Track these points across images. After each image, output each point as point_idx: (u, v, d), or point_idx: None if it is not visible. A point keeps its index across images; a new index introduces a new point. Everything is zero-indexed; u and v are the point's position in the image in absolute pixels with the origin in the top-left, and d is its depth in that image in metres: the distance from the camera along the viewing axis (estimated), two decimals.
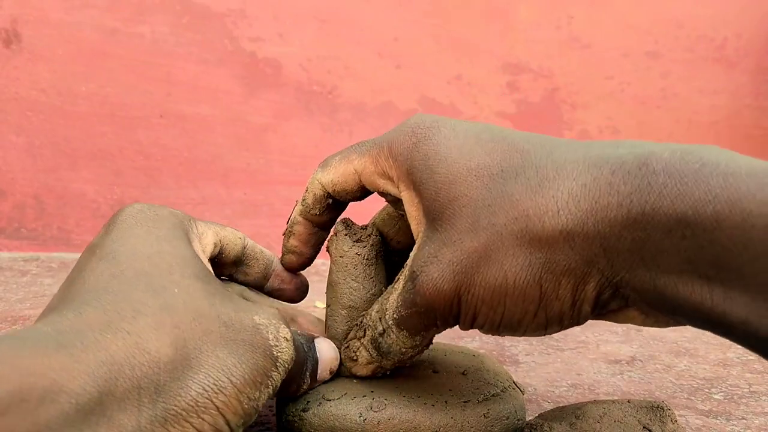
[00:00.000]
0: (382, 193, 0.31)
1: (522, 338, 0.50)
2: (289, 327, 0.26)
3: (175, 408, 0.21)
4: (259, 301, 0.33)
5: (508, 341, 0.50)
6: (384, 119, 0.77)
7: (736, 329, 0.20)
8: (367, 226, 0.32)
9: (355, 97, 0.77)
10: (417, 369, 0.33)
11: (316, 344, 0.30)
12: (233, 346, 0.23)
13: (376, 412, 0.28)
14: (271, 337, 0.24)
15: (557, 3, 0.77)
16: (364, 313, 0.30)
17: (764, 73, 0.80)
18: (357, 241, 0.32)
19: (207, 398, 0.22)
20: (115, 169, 0.74)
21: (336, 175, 0.31)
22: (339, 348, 0.31)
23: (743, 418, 0.36)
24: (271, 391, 0.24)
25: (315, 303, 0.57)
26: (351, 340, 0.30)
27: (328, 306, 0.33)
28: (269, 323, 0.25)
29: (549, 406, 0.37)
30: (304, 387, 0.29)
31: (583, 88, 0.79)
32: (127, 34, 0.72)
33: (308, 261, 0.34)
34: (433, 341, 0.39)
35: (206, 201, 0.76)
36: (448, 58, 0.77)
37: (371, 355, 0.29)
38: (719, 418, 0.36)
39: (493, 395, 0.30)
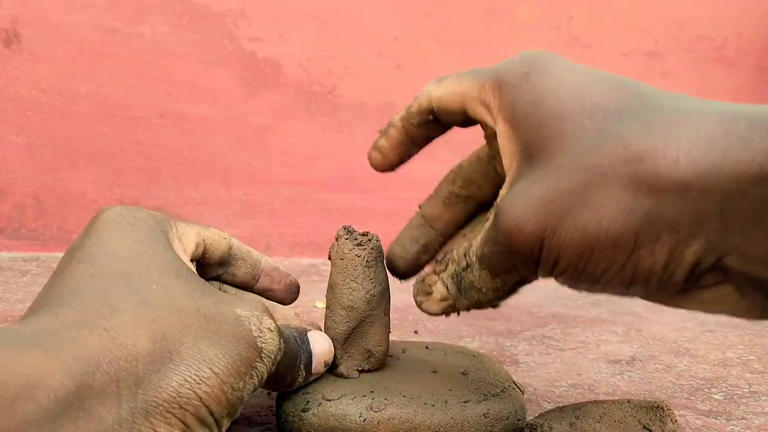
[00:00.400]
0: (481, 123, 0.30)
1: (522, 338, 0.50)
2: (273, 318, 0.26)
3: (156, 400, 0.21)
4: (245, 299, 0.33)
5: (508, 341, 0.50)
6: (384, 119, 0.77)
7: None
8: (367, 232, 0.33)
9: (355, 97, 0.77)
10: (417, 369, 0.33)
11: (309, 337, 0.29)
12: (215, 337, 0.23)
13: (376, 412, 0.28)
14: (254, 328, 0.24)
15: (557, 3, 0.77)
16: (446, 249, 0.30)
17: (764, 73, 0.80)
18: (357, 245, 0.32)
19: (189, 389, 0.21)
20: (115, 169, 0.74)
21: (445, 92, 0.30)
22: (337, 347, 0.31)
23: (743, 418, 0.36)
24: (256, 382, 0.24)
25: (315, 303, 0.57)
26: (428, 274, 0.29)
27: (327, 307, 0.33)
28: (251, 315, 0.25)
29: (549, 406, 0.37)
30: (300, 380, 0.29)
31: None
32: (127, 34, 0.72)
33: (389, 165, 0.34)
34: (433, 341, 0.39)
35: (206, 201, 0.76)
36: (448, 58, 0.77)
37: (448, 290, 0.28)
38: (719, 418, 0.36)
39: (493, 395, 0.30)
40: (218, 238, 0.32)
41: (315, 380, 0.31)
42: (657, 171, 0.21)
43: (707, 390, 0.40)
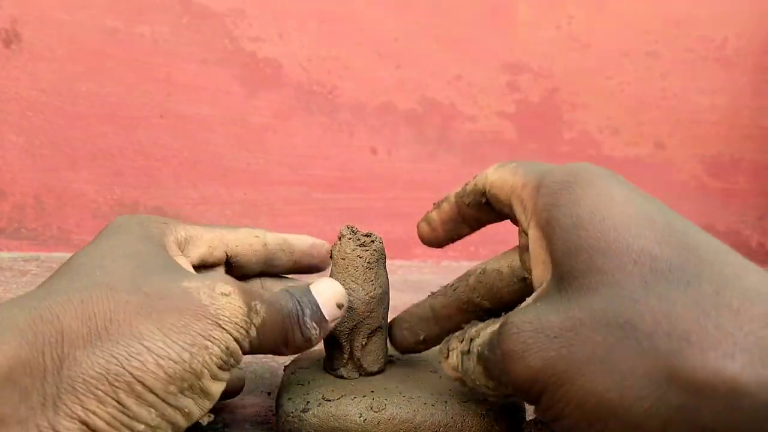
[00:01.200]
0: (518, 224, 0.28)
1: None
2: (236, 283, 0.25)
3: (81, 376, 0.21)
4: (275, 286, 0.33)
5: None
6: (384, 119, 0.77)
7: None
8: (371, 233, 0.33)
9: (355, 97, 0.77)
10: (417, 369, 0.33)
11: (312, 288, 0.28)
12: (153, 314, 0.23)
13: (376, 412, 0.28)
14: (203, 297, 0.24)
15: (557, 3, 0.77)
16: (470, 324, 0.27)
17: (764, 73, 0.80)
18: (360, 245, 0.32)
19: (117, 365, 0.21)
20: (115, 169, 0.74)
21: (498, 179, 0.29)
22: (336, 349, 0.31)
23: None
24: (218, 352, 0.23)
25: None
26: (452, 338, 0.28)
27: None
28: (201, 285, 0.24)
29: None
30: (314, 333, 0.27)
31: (583, 88, 0.79)
32: (127, 34, 0.72)
33: (436, 240, 0.33)
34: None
35: (206, 201, 0.76)
36: (448, 58, 0.77)
37: (458, 365, 0.26)
38: None
39: None
40: (249, 238, 0.32)
41: (315, 381, 0.31)
42: (703, 362, 0.17)
43: None
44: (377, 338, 0.31)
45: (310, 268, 0.35)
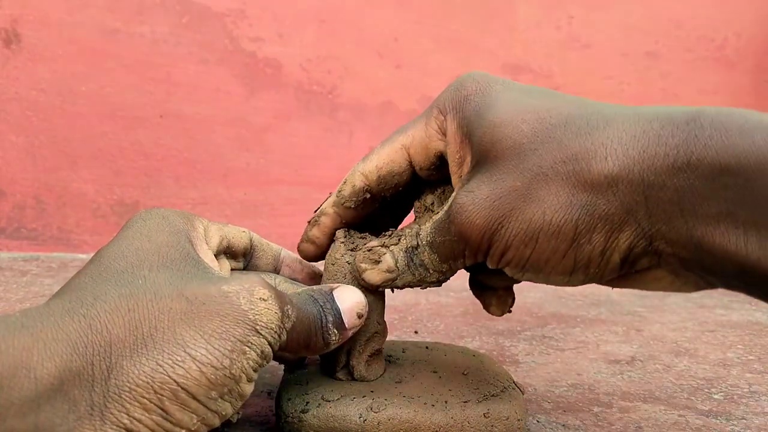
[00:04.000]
0: (429, 168, 0.31)
1: (522, 338, 0.50)
2: (272, 287, 0.25)
3: (127, 385, 0.21)
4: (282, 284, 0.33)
5: (508, 341, 0.50)
6: (384, 119, 0.77)
7: None
8: (366, 234, 0.32)
9: (355, 97, 0.77)
10: (417, 369, 0.33)
11: (335, 294, 0.29)
12: (195, 320, 0.23)
13: (376, 412, 0.28)
14: (243, 302, 0.24)
15: (557, 3, 0.77)
16: (400, 229, 0.31)
17: (764, 73, 0.80)
18: (351, 249, 0.32)
19: (163, 373, 0.22)
20: (115, 169, 0.74)
21: (381, 160, 0.32)
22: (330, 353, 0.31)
23: (743, 418, 0.36)
24: (255, 356, 0.24)
25: None
26: (375, 246, 0.31)
27: None
28: (240, 288, 0.24)
29: (549, 406, 0.37)
30: (334, 340, 0.28)
31: (583, 88, 0.79)
32: (127, 34, 0.72)
33: (323, 254, 0.34)
34: (433, 341, 0.39)
35: (206, 201, 0.76)
36: (448, 58, 0.77)
37: (397, 262, 0.30)
38: (719, 418, 0.36)
39: (493, 395, 0.30)
40: (238, 233, 0.33)
41: (314, 381, 0.31)
42: (589, 169, 0.24)
43: (707, 390, 0.40)
44: (375, 343, 0.31)
45: (290, 279, 0.35)
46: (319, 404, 0.29)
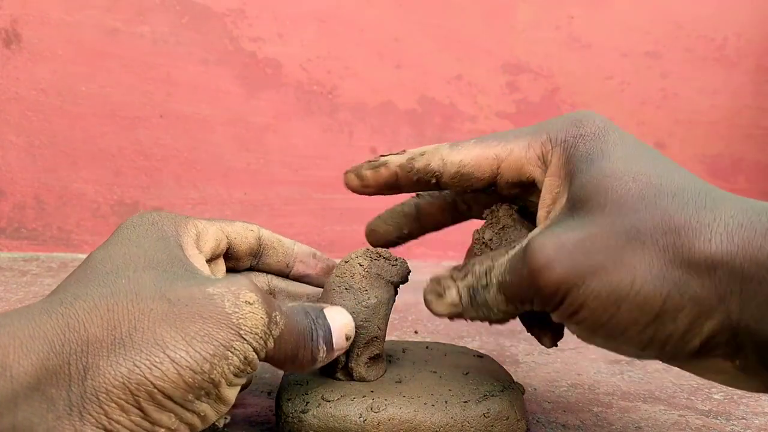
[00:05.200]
0: (512, 185, 0.31)
1: (522, 338, 0.50)
2: (260, 291, 0.25)
3: (104, 385, 0.21)
4: (288, 288, 0.34)
5: (508, 341, 0.50)
6: (384, 119, 0.77)
7: None
8: (393, 256, 0.33)
9: (355, 97, 0.77)
10: (417, 369, 0.33)
11: (326, 312, 0.29)
12: (177, 321, 0.23)
13: (376, 412, 0.28)
14: (227, 304, 0.24)
15: (557, 3, 0.77)
16: (468, 259, 0.30)
17: (764, 73, 0.80)
18: (369, 257, 0.32)
19: (139, 374, 0.21)
20: (115, 169, 0.74)
21: (469, 157, 0.30)
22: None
23: (743, 418, 0.36)
24: (237, 362, 0.23)
25: None
26: (443, 276, 0.30)
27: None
28: (226, 291, 0.24)
29: (549, 406, 0.37)
30: (322, 356, 0.28)
31: (583, 88, 0.79)
32: (127, 34, 0.72)
33: (363, 192, 0.34)
34: (433, 341, 0.39)
35: (206, 201, 0.76)
36: (448, 58, 0.77)
37: (461, 298, 0.29)
38: (719, 418, 0.36)
39: (493, 395, 0.30)
40: (244, 231, 0.32)
41: (314, 381, 0.31)
42: (691, 246, 0.23)
43: (707, 390, 0.40)
44: (374, 348, 0.31)
45: (303, 276, 0.35)
46: (319, 404, 0.29)
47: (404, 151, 0.33)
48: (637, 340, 0.24)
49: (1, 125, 0.72)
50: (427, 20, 0.76)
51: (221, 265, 0.32)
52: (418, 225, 0.36)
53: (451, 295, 0.29)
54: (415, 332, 0.51)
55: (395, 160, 0.32)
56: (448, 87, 0.78)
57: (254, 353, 0.24)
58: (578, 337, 0.26)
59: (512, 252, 0.27)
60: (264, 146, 0.76)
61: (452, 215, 0.36)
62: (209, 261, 0.31)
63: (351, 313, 0.30)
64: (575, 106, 0.79)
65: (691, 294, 0.23)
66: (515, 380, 0.34)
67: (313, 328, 0.28)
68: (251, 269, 0.34)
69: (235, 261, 0.33)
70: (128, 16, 0.72)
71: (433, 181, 0.31)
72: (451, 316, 0.30)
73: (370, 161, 0.33)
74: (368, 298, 0.31)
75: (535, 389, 0.39)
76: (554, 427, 0.34)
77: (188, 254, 0.28)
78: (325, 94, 0.77)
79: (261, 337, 0.24)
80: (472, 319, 0.29)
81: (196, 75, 0.74)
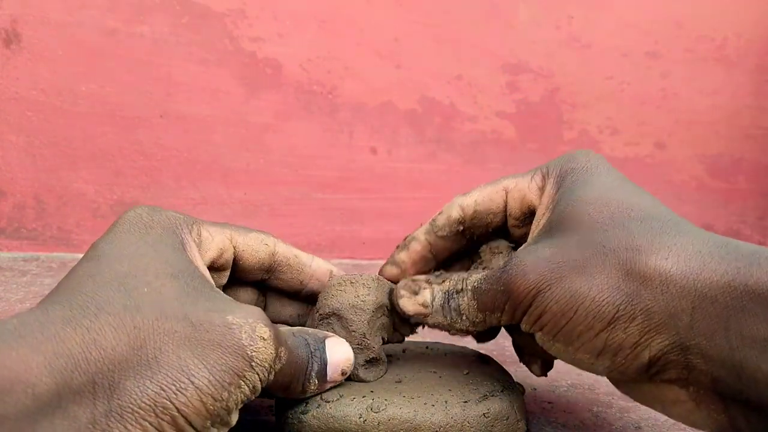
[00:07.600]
0: (520, 221, 0.33)
1: None
2: (272, 327, 0.26)
3: (131, 406, 0.21)
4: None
5: (508, 341, 0.50)
6: (384, 119, 0.77)
7: None
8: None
9: (355, 97, 0.77)
10: (417, 369, 0.33)
11: (326, 344, 0.29)
12: (198, 347, 0.23)
13: (376, 412, 0.28)
14: (244, 336, 0.24)
15: (557, 3, 0.77)
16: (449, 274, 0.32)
17: (764, 73, 0.80)
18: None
19: (165, 398, 0.22)
20: (115, 169, 0.74)
21: (481, 196, 0.33)
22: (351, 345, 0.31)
23: None
24: (247, 392, 0.24)
25: None
26: (420, 279, 0.31)
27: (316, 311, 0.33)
28: (244, 323, 0.25)
29: (549, 407, 0.37)
30: (312, 388, 0.29)
31: (583, 88, 0.79)
32: (127, 34, 0.72)
33: (407, 276, 0.34)
34: (433, 341, 0.39)
35: (206, 201, 0.76)
36: (448, 58, 0.77)
37: (433, 301, 0.30)
38: None
39: (493, 395, 0.31)
40: (257, 244, 0.32)
41: None
42: (647, 261, 0.25)
43: None
44: (369, 352, 0.31)
45: (316, 295, 0.34)
46: (319, 404, 0.29)
47: (421, 223, 0.35)
48: (591, 345, 0.26)
49: (1, 125, 0.72)
50: (427, 20, 0.76)
51: (225, 274, 0.31)
52: (433, 263, 0.36)
53: (425, 295, 0.30)
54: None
55: (419, 231, 0.34)
56: (448, 87, 0.78)
57: (260, 383, 0.25)
58: (542, 345, 0.28)
59: (490, 265, 0.30)
60: (264, 146, 0.76)
61: (460, 242, 0.36)
62: (211, 269, 0.30)
63: (349, 309, 0.30)
64: (575, 106, 0.79)
65: (643, 306, 0.25)
66: (515, 380, 0.34)
67: (310, 361, 0.28)
68: (261, 282, 0.33)
69: (242, 273, 0.32)
70: (128, 16, 0.72)
71: (461, 229, 0.33)
72: (415, 316, 0.31)
73: (398, 246, 0.35)
74: (367, 294, 0.31)
75: (535, 389, 0.39)
76: (554, 427, 0.34)
77: (194, 260, 0.28)
78: (325, 94, 0.77)
79: (267, 371, 0.25)
80: (435, 324, 0.31)
81: (196, 75, 0.74)
